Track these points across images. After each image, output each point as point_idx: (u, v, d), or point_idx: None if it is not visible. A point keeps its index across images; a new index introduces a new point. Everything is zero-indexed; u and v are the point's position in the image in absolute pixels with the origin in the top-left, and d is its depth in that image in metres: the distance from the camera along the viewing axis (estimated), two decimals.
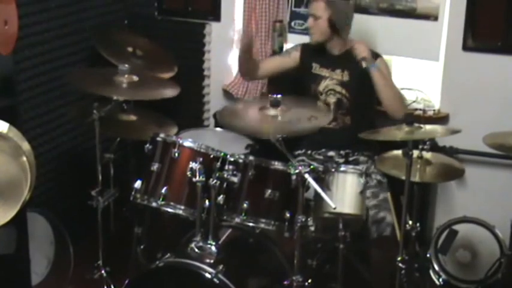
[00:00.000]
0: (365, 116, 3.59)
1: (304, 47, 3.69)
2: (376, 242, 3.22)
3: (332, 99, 3.53)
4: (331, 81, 3.55)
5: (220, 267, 2.67)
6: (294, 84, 3.80)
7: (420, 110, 3.83)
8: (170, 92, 3.21)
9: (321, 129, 3.48)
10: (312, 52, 3.63)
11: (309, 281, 2.78)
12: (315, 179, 2.68)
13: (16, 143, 2.01)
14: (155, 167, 2.84)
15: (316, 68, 3.60)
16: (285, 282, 2.78)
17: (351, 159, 3.52)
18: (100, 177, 3.17)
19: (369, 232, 3.19)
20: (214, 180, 2.72)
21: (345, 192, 2.86)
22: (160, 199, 2.81)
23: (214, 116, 4.22)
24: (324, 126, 3.46)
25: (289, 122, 2.79)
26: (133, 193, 2.86)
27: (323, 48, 3.58)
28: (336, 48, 3.56)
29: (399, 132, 2.79)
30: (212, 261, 2.69)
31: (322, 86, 3.56)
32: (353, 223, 2.95)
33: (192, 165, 2.75)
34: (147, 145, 2.88)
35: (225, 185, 2.78)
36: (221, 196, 2.76)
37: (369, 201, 3.17)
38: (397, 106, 3.42)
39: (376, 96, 3.46)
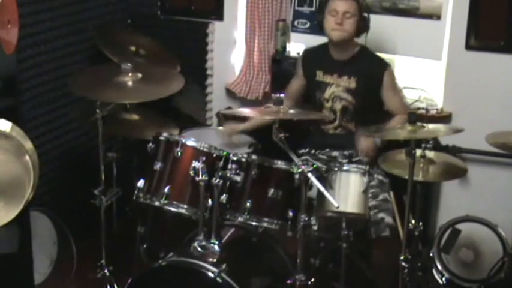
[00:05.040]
0: (368, 121, 3.56)
1: (304, 58, 3.65)
2: (376, 242, 3.22)
3: (338, 106, 3.50)
4: (337, 88, 3.49)
5: (223, 266, 2.67)
6: None
7: (423, 109, 3.83)
8: (176, 86, 3.09)
9: (325, 134, 3.49)
10: (314, 59, 3.59)
11: (312, 280, 2.78)
12: (318, 178, 2.68)
13: (19, 142, 2.01)
14: (158, 166, 2.84)
15: (319, 76, 3.54)
16: (288, 281, 2.79)
17: (354, 159, 3.51)
18: (103, 177, 3.16)
19: (368, 232, 3.19)
20: (217, 180, 2.72)
21: (348, 191, 2.85)
22: (163, 198, 2.80)
23: (217, 115, 4.22)
24: (328, 132, 3.49)
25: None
26: (136, 192, 2.86)
27: (325, 53, 3.54)
28: (345, 53, 3.49)
29: (402, 132, 2.79)
30: (215, 260, 2.69)
31: (328, 93, 3.51)
32: (356, 222, 2.96)
33: (195, 164, 2.74)
34: (150, 144, 2.88)
35: (228, 184, 2.77)
36: (224, 195, 2.75)
37: (369, 202, 3.16)
38: None
39: (380, 100, 3.46)
